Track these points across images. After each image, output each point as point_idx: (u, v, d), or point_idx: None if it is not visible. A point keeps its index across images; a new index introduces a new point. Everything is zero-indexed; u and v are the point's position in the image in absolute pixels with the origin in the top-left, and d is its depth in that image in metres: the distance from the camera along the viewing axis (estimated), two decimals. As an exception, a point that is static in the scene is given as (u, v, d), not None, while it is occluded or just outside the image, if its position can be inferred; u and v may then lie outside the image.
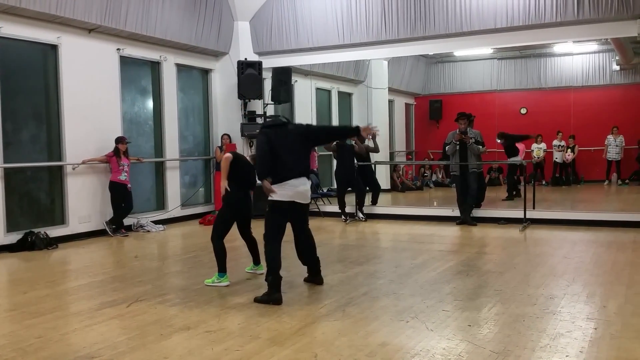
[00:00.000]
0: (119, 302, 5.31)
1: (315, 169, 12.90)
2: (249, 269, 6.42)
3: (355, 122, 15.32)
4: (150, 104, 10.95)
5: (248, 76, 11.38)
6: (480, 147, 10.07)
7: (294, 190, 5.34)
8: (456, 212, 10.25)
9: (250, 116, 11.81)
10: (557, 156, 15.92)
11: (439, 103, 17.72)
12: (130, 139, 9.89)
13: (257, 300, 5.19)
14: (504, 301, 5.09)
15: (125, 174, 9.42)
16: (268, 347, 4.04)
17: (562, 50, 15.93)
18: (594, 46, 15.56)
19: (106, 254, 8.30)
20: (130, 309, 5.10)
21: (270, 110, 12.15)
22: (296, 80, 13.06)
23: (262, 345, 4.08)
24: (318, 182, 12.69)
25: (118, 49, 9.90)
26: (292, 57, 11.76)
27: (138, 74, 10.72)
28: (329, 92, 14.83)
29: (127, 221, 9.77)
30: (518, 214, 9.96)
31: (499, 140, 12.82)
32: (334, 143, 10.90)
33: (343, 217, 10.90)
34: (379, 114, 15.26)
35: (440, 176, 16.86)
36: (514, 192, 12.86)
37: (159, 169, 11.10)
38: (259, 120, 11.75)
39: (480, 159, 10.35)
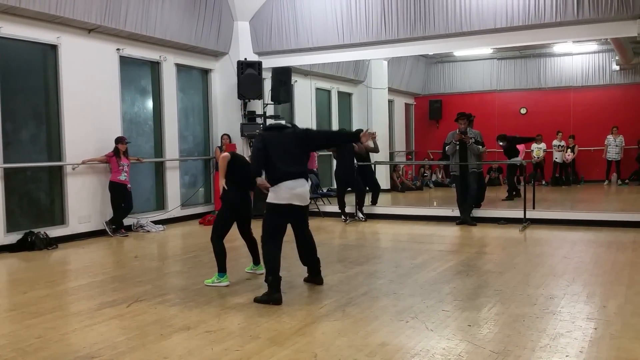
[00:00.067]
0: (119, 302, 5.31)
1: (315, 169, 12.90)
2: (249, 269, 6.42)
3: (355, 122, 15.32)
4: (150, 104, 10.95)
5: (248, 76, 11.39)
6: (480, 147, 10.07)
7: (290, 192, 5.31)
8: (456, 212, 10.25)
9: (250, 116, 11.81)
10: (557, 156, 15.93)
11: (438, 103, 17.73)
12: (130, 139, 9.89)
13: (257, 300, 5.19)
14: (503, 301, 5.09)
15: (125, 174, 9.42)
16: (268, 347, 4.04)
17: (562, 50, 15.93)
18: (593, 46, 15.57)
19: (106, 254, 8.30)
20: (130, 309, 5.10)
21: (270, 111, 12.15)
22: (296, 80, 13.06)
23: (262, 345, 4.08)
24: (318, 182, 12.68)
25: (118, 49, 9.90)
26: (291, 57, 11.76)
27: (138, 74, 10.72)
28: (328, 92, 14.83)
29: (127, 221, 9.77)
30: (518, 214, 9.96)
31: (500, 143, 12.80)
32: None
33: (343, 217, 10.90)
34: (378, 114, 15.26)
35: (440, 176, 16.86)
36: (514, 192, 12.86)
37: (159, 169, 11.10)
38: (259, 121, 11.77)
39: (480, 159, 10.35)
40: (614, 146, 15.50)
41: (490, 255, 7.39)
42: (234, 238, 6.37)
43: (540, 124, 15.76)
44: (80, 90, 9.25)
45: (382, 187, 12.38)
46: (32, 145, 8.88)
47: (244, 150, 11.59)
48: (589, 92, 16.24)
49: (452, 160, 10.22)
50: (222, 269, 5.87)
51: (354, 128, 12.80)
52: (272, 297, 5.12)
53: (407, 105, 18.07)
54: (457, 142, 9.99)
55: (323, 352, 3.92)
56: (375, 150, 11.55)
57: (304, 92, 13.62)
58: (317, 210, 11.44)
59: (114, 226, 9.47)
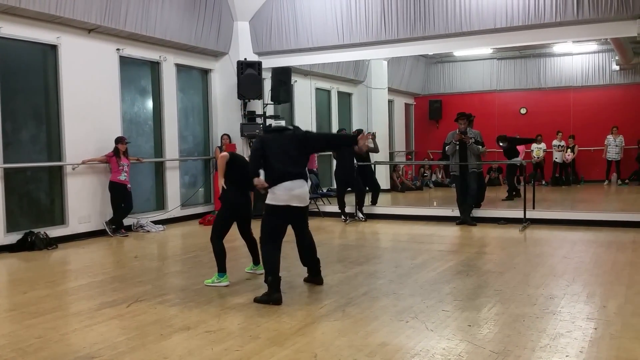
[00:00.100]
0: (119, 302, 5.31)
1: (315, 169, 12.91)
2: (249, 269, 6.42)
3: (355, 122, 15.31)
4: (150, 104, 10.95)
5: (248, 76, 11.38)
6: (480, 147, 10.07)
7: (288, 194, 5.30)
8: (456, 212, 10.25)
9: (250, 116, 11.81)
10: (557, 156, 15.91)
11: (438, 103, 17.71)
12: (130, 139, 9.90)
13: (257, 300, 5.19)
14: (503, 301, 5.09)
15: (125, 174, 9.42)
16: (268, 347, 4.04)
17: (562, 50, 15.91)
18: (593, 46, 15.55)
19: (106, 254, 8.30)
20: (130, 309, 5.10)
21: (270, 111, 12.15)
22: (296, 81, 13.05)
23: (262, 346, 4.08)
24: (318, 182, 12.69)
25: (118, 49, 9.90)
26: (291, 57, 11.76)
27: (138, 74, 10.72)
28: (328, 92, 14.82)
29: (126, 221, 9.77)
30: (518, 214, 9.96)
31: (501, 144, 12.79)
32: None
33: (343, 217, 10.90)
34: (378, 114, 15.26)
35: (440, 176, 16.85)
36: (514, 192, 12.86)
37: (159, 169, 11.10)
38: (259, 121, 11.77)
39: (480, 159, 10.35)
40: (613, 146, 15.49)
41: (490, 255, 7.39)
42: (233, 238, 6.38)
43: (540, 124, 15.75)
44: (80, 91, 9.25)
45: (382, 187, 12.38)
46: (32, 145, 8.89)
47: (244, 150, 11.58)
48: (588, 92, 16.22)
49: (452, 160, 10.22)
50: (221, 269, 5.87)
51: (354, 128, 12.81)
52: (272, 297, 5.12)
53: (407, 105, 18.06)
54: (457, 142, 9.99)
55: (323, 352, 3.92)
56: (375, 150, 11.56)
57: (303, 92, 13.62)
58: (317, 210, 11.44)
59: (114, 226, 9.47)
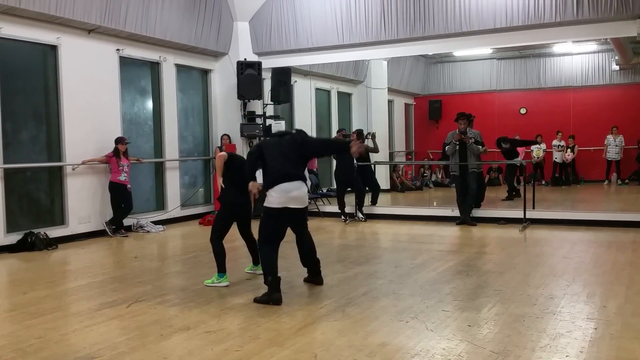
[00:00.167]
0: (119, 303, 5.31)
1: (315, 169, 12.91)
2: (249, 269, 6.42)
3: (355, 122, 15.30)
4: (149, 104, 10.95)
5: (247, 76, 11.39)
6: (480, 147, 10.07)
7: (286, 196, 5.29)
8: (456, 212, 10.25)
9: (249, 116, 11.81)
10: (557, 156, 15.91)
11: (438, 103, 17.71)
12: (130, 140, 9.90)
13: (257, 300, 5.19)
14: (503, 301, 5.09)
15: (125, 175, 9.42)
16: (268, 348, 4.04)
17: (562, 50, 15.91)
18: (593, 46, 15.55)
19: (106, 254, 8.30)
20: (130, 309, 5.10)
21: (270, 111, 12.16)
22: (295, 81, 13.06)
23: (262, 346, 4.08)
24: (318, 182, 12.69)
25: (117, 50, 9.90)
26: (291, 57, 11.76)
27: (138, 75, 10.72)
28: (328, 92, 14.83)
29: (126, 222, 9.77)
30: (518, 214, 9.96)
31: (504, 145, 12.78)
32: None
33: (343, 217, 10.91)
34: (378, 114, 15.26)
35: (439, 176, 16.85)
36: (514, 192, 12.87)
37: (159, 170, 11.11)
38: (259, 121, 11.77)
39: (479, 159, 10.35)
40: (613, 146, 15.49)
41: (490, 255, 7.39)
42: (233, 238, 6.38)
43: (540, 124, 15.74)
44: (80, 91, 9.25)
45: (381, 187, 12.38)
46: (32, 146, 8.89)
47: (243, 150, 11.58)
48: (588, 92, 16.22)
49: (451, 160, 10.23)
50: (221, 269, 5.87)
51: (354, 128, 12.80)
52: (272, 297, 5.12)
53: (406, 106, 18.06)
54: (457, 142, 9.99)
55: (323, 352, 3.92)
56: (375, 150, 11.56)
57: (303, 92, 13.62)
58: (316, 210, 11.44)
59: (113, 226, 9.47)
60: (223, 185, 5.88)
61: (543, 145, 15.47)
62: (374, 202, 11.53)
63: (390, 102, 16.29)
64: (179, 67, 11.32)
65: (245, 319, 4.74)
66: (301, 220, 5.61)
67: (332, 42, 11.20)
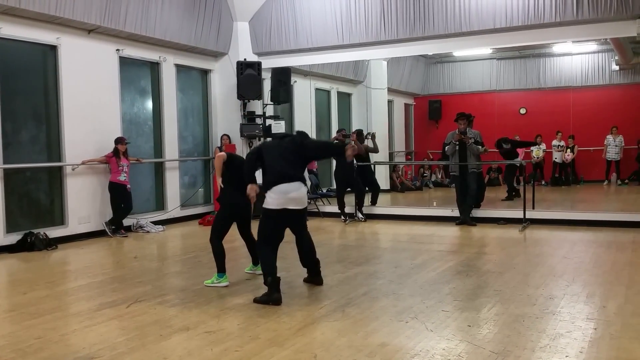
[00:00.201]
0: (119, 303, 5.31)
1: (314, 169, 12.91)
2: (249, 270, 6.42)
3: (355, 122, 15.30)
4: (149, 104, 10.95)
5: (247, 77, 11.38)
6: (480, 147, 10.07)
7: (284, 197, 5.30)
8: (456, 213, 10.25)
9: (249, 116, 11.81)
10: (557, 156, 15.92)
11: (438, 103, 17.73)
12: (130, 140, 9.89)
13: (257, 300, 5.19)
14: (503, 301, 5.09)
15: (125, 175, 9.42)
16: (267, 348, 4.04)
17: (562, 50, 15.93)
18: (593, 46, 15.56)
19: (106, 254, 8.30)
20: (129, 309, 5.10)
21: (270, 111, 12.16)
22: (295, 81, 13.06)
23: (262, 346, 4.08)
24: (317, 182, 12.69)
25: (117, 50, 9.90)
26: (291, 57, 11.76)
27: (137, 75, 10.72)
28: (328, 92, 14.83)
29: (126, 222, 9.77)
30: (517, 214, 9.96)
31: (505, 146, 12.78)
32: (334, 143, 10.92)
33: (342, 217, 10.91)
34: (378, 114, 15.26)
35: (439, 176, 16.86)
36: (513, 193, 12.87)
37: (159, 170, 11.10)
38: (259, 121, 11.77)
39: (479, 159, 10.35)
40: (613, 146, 15.50)
41: (490, 256, 7.39)
42: (233, 238, 6.38)
43: (539, 124, 15.76)
44: (80, 91, 9.25)
45: (381, 188, 12.38)
46: (32, 146, 8.88)
47: (243, 150, 11.58)
48: (588, 92, 16.24)
49: (451, 160, 10.23)
50: (221, 269, 5.87)
51: (354, 128, 12.80)
52: (271, 297, 5.13)
53: (406, 106, 18.07)
54: (457, 143, 9.99)
55: (323, 353, 3.92)
56: (375, 150, 11.56)
57: (303, 92, 13.62)
58: (316, 210, 11.44)
59: (113, 227, 9.47)
60: (222, 186, 5.89)
61: (543, 146, 15.48)
62: (373, 202, 11.52)
63: (390, 102, 16.30)
64: (179, 67, 11.32)
65: (245, 319, 4.74)
66: (300, 221, 5.61)
67: (332, 42, 11.19)
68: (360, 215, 10.96)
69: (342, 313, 4.83)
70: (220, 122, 12.17)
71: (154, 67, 10.87)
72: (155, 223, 10.29)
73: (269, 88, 11.62)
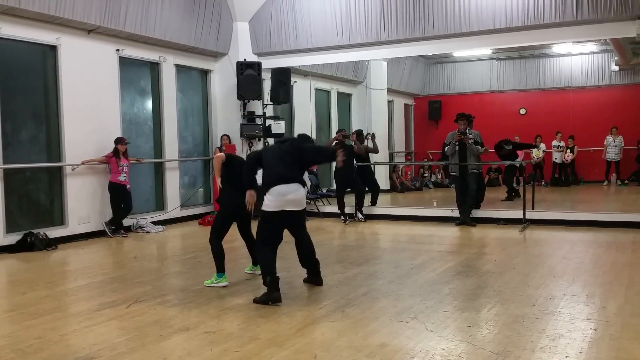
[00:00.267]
0: (119, 303, 5.31)
1: (314, 170, 12.91)
2: (249, 270, 6.42)
3: (355, 122, 15.30)
4: (149, 104, 10.95)
5: (247, 77, 11.38)
6: (480, 147, 10.07)
7: (282, 199, 5.32)
8: (455, 213, 10.26)
9: (249, 117, 11.81)
10: (557, 157, 15.91)
11: (438, 103, 17.71)
12: (130, 140, 9.89)
13: (257, 301, 5.20)
14: (503, 302, 5.09)
15: (125, 175, 9.42)
16: (267, 348, 4.04)
17: (561, 50, 15.91)
18: (593, 47, 15.55)
19: (105, 254, 8.30)
20: (129, 309, 5.10)
21: (270, 111, 12.15)
22: (295, 81, 13.06)
23: (262, 346, 4.08)
24: (317, 182, 12.69)
25: (117, 50, 9.90)
26: (291, 57, 11.76)
27: (137, 75, 10.72)
28: (328, 92, 14.83)
29: (126, 222, 9.77)
30: (517, 214, 9.96)
31: (506, 147, 12.78)
32: (333, 144, 10.92)
33: (342, 217, 10.91)
34: (378, 114, 15.26)
35: (439, 177, 16.85)
36: (513, 193, 12.87)
37: (159, 170, 11.10)
38: (259, 121, 11.77)
39: (479, 160, 10.35)
40: (613, 147, 15.49)
41: (490, 256, 7.39)
42: (233, 239, 6.38)
43: (539, 125, 15.75)
44: (79, 91, 9.25)
45: (381, 188, 12.38)
46: (32, 146, 8.88)
47: (243, 151, 11.59)
48: (588, 93, 16.23)
49: (451, 160, 10.23)
50: (220, 269, 5.87)
51: (354, 129, 12.80)
52: (271, 296, 5.13)
53: (406, 106, 18.06)
54: (457, 143, 9.99)
55: (323, 353, 3.92)
56: (375, 150, 11.56)
57: (303, 92, 13.62)
58: (316, 210, 11.44)
59: (113, 227, 9.47)
60: (221, 185, 5.91)
61: (542, 146, 15.47)
62: (373, 202, 11.53)
63: (389, 102, 16.29)
64: (179, 68, 11.32)
65: (244, 319, 4.74)
66: (298, 221, 5.63)
67: (332, 43, 11.19)
68: (360, 216, 10.96)
69: (342, 313, 4.83)
70: (220, 123, 12.17)
71: (154, 67, 10.87)
72: (155, 223, 10.29)
73: (269, 88, 11.61)
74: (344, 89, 15.34)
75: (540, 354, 3.84)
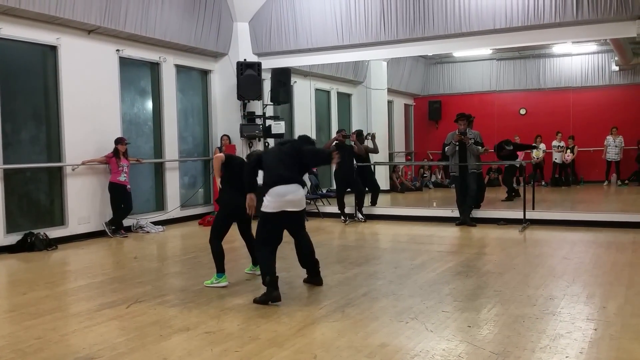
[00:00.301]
0: (119, 303, 5.31)
1: (314, 170, 12.90)
2: (249, 270, 6.42)
3: (355, 123, 15.31)
4: (149, 104, 10.95)
5: (247, 77, 11.38)
6: (480, 147, 10.07)
7: (281, 199, 5.33)
8: (455, 213, 10.25)
9: (249, 117, 11.81)
10: (557, 157, 15.93)
11: (438, 104, 17.72)
12: (130, 140, 9.89)
13: (257, 301, 5.20)
14: (503, 302, 5.09)
15: (125, 175, 9.42)
16: (267, 348, 4.04)
17: (561, 50, 15.93)
18: (593, 47, 15.57)
19: (105, 254, 8.30)
20: (129, 309, 5.10)
21: (270, 111, 12.16)
22: (295, 81, 13.06)
23: (262, 346, 4.08)
24: (317, 182, 12.69)
25: (117, 50, 9.90)
26: (291, 58, 11.76)
27: (137, 75, 10.72)
28: (328, 93, 14.83)
29: (126, 222, 9.77)
30: (517, 214, 9.96)
31: (508, 147, 12.78)
32: (333, 144, 10.94)
33: (342, 217, 10.91)
34: (378, 114, 15.26)
35: (439, 177, 16.86)
36: (513, 193, 12.88)
37: (159, 170, 11.10)
38: (259, 121, 11.77)
39: (479, 160, 10.35)
40: (613, 147, 15.50)
41: (490, 256, 7.39)
42: (233, 239, 6.38)
43: (539, 125, 15.76)
44: (80, 91, 9.25)
45: (381, 188, 12.38)
46: (32, 146, 8.88)
47: (243, 151, 11.58)
48: (588, 93, 16.24)
49: (451, 161, 10.23)
50: (220, 270, 5.87)
51: (354, 129, 12.81)
52: (270, 295, 5.14)
53: (406, 106, 18.07)
54: (457, 143, 9.99)
55: (323, 353, 3.92)
56: (375, 151, 11.56)
57: (303, 92, 13.62)
58: (316, 211, 11.44)
59: (113, 227, 9.47)
60: (220, 186, 5.91)
61: (543, 146, 15.48)
62: (373, 202, 11.53)
63: (390, 102, 16.30)
64: (179, 68, 11.32)
65: (244, 319, 4.74)
66: (297, 222, 5.64)
67: (332, 43, 11.19)
68: (360, 216, 10.96)
69: (342, 313, 4.83)
70: (220, 123, 12.17)
71: (154, 68, 10.87)
72: (155, 223, 10.29)
73: (269, 88, 11.61)
74: (344, 89, 15.35)
75: (541, 354, 3.84)
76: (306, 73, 13.38)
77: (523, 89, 16.89)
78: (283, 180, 5.35)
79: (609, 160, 15.63)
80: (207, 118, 12.22)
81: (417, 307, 4.98)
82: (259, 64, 11.58)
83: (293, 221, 5.55)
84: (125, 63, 10.18)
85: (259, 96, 11.58)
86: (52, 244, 8.45)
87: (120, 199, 9.45)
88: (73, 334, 4.52)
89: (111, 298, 5.53)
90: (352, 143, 11.25)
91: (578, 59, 16.30)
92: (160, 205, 11.03)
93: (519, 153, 13.58)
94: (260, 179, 5.59)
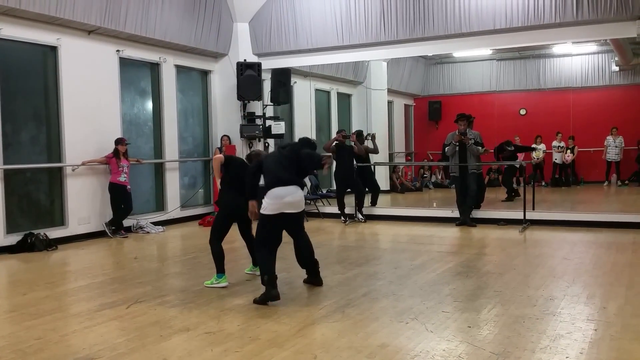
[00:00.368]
0: (119, 304, 5.31)
1: (315, 171, 12.90)
2: (249, 270, 6.43)
3: (355, 123, 15.31)
4: (149, 105, 10.95)
5: (247, 77, 11.38)
6: (480, 147, 10.07)
7: (280, 201, 5.34)
8: (456, 213, 10.25)
9: (249, 117, 11.81)
10: (557, 157, 15.93)
11: (438, 104, 17.72)
12: (130, 140, 9.89)
13: (257, 301, 5.21)
14: (503, 302, 5.09)
15: (125, 175, 9.42)
16: (267, 349, 4.04)
17: (561, 51, 15.93)
18: (593, 47, 15.57)
19: (106, 255, 8.30)
20: (129, 310, 5.10)
21: (270, 112, 12.16)
22: (295, 82, 13.06)
23: (262, 347, 4.08)
24: (317, 183, 12.69)
25: (117, 51, 9.90)
26: (291, 58, 11.76)
27: (137, 76, 10.72)
28: (328, 93, 14.83)
29: (126, 222, 9.77)
30: (518, 215, 9.96)
31: (509, 148, 12.79)
32: (333, 144, 10.94)
33: (342, 218, 10.91)
34: (378, 115, 15.27)
35: (439, 177, 16.86)
36: (513, 193, 12.88)
37: (159, 170, 11.10)
38: (259, 122, 11.77)
39: (479, 160, 10.35)
40: (613, 147, 15.50)
41: (490, 257, 7.39)
42: (233, 239, 6.38)
43: (539, 125, 15.77)
44: (80, 92, 9.25)
45: (381, 188, 12.38)
46: (32, 147, 8.88)
47: (243, 151, 11.58)
48: (588, 93, 16.24)
49: (451, 161, 10.23)
50: (220, 270, 5.88)
51: (354, 129, 12.82)
52: (269, 294, 5.15)
53: (406, 106, 18.07)
54: (457, 143, 9.99)
55: (323, 354, 3.92)
56: (375, 151, 11.56)
57: (303, 93, 13.62)
58: (316, 211, 11.44)
59: (113, 227, 9.47)
60: (219, 186, 5.92)
61: (543, 147, 15.48)
62: (373, 203, 11.52)
63: (389, 103, 16.30)
64: (179, 68, 11.32)
65: (244, 320, 4.74)
66: (297, 223, 5.65)
67: (332, 43, 11.19)
68: (360, 216, 10.96)
69: (342, 314, 4.83)
70: (220, 123, 12.17)
71: (154, 68, 10.87)
72: (155, 224, 10.29)
73: (269, 89, 11.62)
74: (344, 89, 15.35)
75: (541, 354, 3.84)
76: (306, 73, 13.38)
77: (523, 89, 16.89)
78: (281, 182, 5.37)
79: (609, 160, 15.63)
80: (207, 118, 12.22)
81: (417, 307, 4.98)
82: (259, 65, 11.58)
83: (292, 222, 5.57)
84: (126, 63, 10.18)
85: (259, 96, 11.58)
86: (52, 244, 8.45)
87: (121, 200, 9.45)
88: (73, 334, 4.52)
89: (111, 298, 5.53)
90: (352, 143, 11.25)
91: (578, 59, 16.30)
92: (160, 205, 11.03)
93: (518, 154, 13.59)
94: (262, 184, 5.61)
